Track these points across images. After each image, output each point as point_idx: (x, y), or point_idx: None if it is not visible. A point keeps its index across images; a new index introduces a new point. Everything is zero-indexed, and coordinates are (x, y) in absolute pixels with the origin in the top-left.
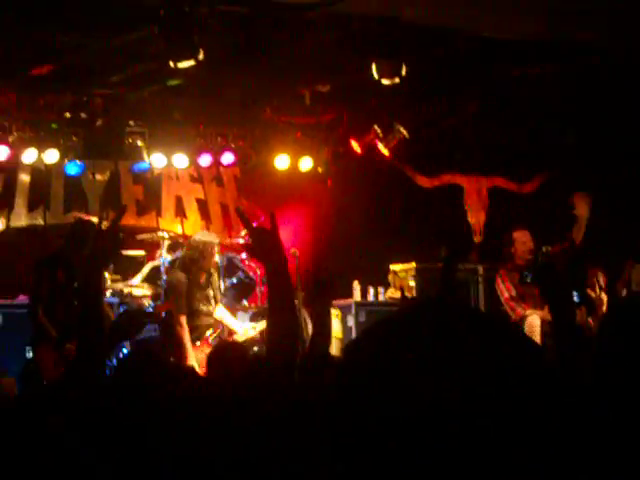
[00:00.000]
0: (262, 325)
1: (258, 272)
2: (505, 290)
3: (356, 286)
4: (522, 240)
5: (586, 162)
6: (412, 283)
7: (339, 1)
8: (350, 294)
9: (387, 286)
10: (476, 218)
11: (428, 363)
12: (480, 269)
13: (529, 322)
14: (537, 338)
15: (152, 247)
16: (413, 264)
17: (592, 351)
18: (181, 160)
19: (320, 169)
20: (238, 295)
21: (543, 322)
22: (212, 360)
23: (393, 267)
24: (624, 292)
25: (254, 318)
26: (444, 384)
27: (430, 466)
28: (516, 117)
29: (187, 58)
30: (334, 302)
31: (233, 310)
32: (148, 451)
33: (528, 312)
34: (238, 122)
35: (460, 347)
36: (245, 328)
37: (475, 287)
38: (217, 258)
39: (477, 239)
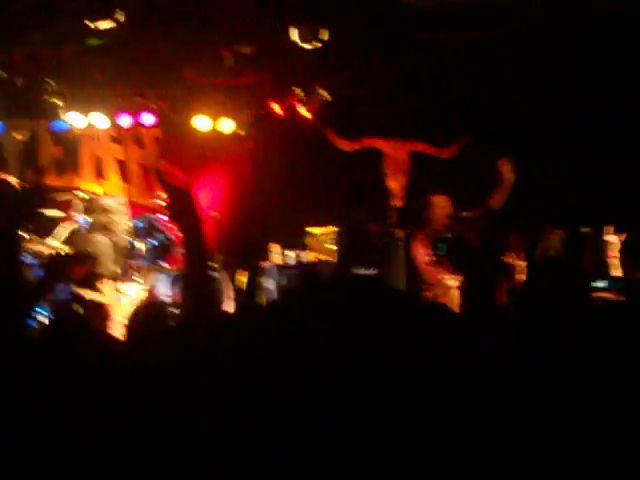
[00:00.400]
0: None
1: (178, 233)
2: (422, 254)
3: (274, 248)
4: (440, 205)
5: (506, 128)
6: (331, 246)
7: None
8: (268, 257)
9: (305, 249)
10: (395, 182)
11: (342, 324)
12: (399, 233)
13: (444, 284)
14: (453, 299)
15: (70, 207)
16: (332, 228)
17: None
18: (101, 120)
19: (241, 131)
20: (158, 257)
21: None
22: (132, 322)
23: (311, 230)
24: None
25: (175, 280)
26: (354, 344)
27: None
28: (437, 82)
29: (106, 18)
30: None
31: (153, 272)
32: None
33: (445, 276)
34: (159, 83)
35: (368, 314)
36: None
37: (395, 251)
38: (134, 220)
39: (396, 203)
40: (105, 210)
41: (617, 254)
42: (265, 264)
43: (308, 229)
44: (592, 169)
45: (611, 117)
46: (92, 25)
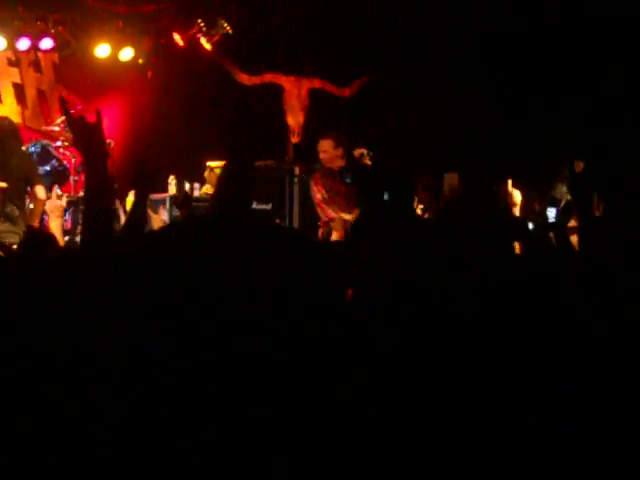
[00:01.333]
0: None
1: (73, 161)
2: (317, 192)
3: (171, 181)
4: (323, 149)
5: (406, 68)
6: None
7: None
8: (165, 188)
9: (203, 182)
10: (294, 119)
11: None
12: (296, 170)
13: (338, 220)
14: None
15: None
16: (236, 163)
17: None
18: None
19: (141, 60)
20: (51, 183)
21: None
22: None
23: (209, 164)
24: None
25: (67, 206)
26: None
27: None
28: (340, 21)
29: None
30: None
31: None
32: None
33: (339, 214)
34: (59, 7)
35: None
36: None
37: (290, 187)
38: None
39: (294, 140)
40: None
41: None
42: (160, 195)
43: (207, 163)
44: (497, 116)
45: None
46: None
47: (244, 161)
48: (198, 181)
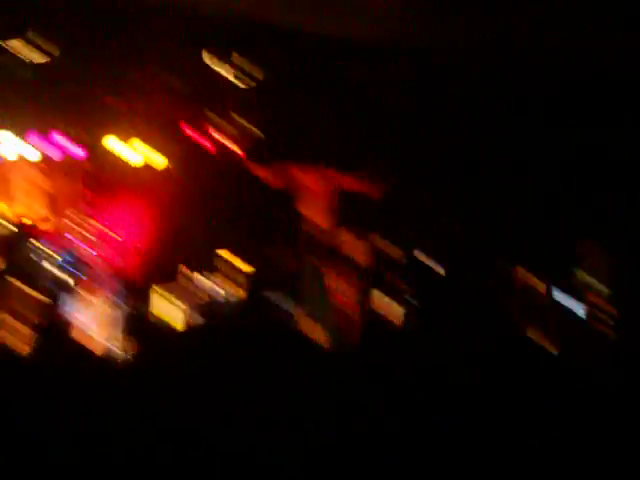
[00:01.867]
0: None
1: (97, 262)
2: (335, 283)
3: (186, 271)
4: (345, 240)
5: (433, 169)
6: (246, 272)
7: None
8: (182, 280)
9: (219, 274)
10: (315, 213)
11: None
12: (313, 261)
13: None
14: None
15: None
16: (255, 256)
17: None
18: (23, 148)
19: (165, 160)
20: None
21: None
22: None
23: (223, 254)
24: None
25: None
26: None
27: None
28: (366, 119)
29: (27, 45)
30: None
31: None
32: None
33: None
34: (79, 108)
35: None
36: None
37: (308, 279)
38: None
39: (314, 233)
40: None
41: None
42: (174, 285)
43: (220, 252)
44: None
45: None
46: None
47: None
48: (210, 271)
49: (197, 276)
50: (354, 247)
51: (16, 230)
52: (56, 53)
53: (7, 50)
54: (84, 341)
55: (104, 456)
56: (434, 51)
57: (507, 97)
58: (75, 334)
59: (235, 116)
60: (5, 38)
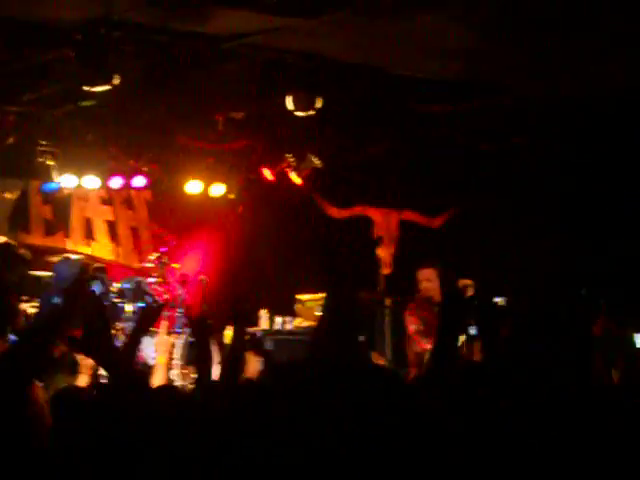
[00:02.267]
0: None
1: (166, 296)
2: (412, 324)
3: (263, 314)
4: (426, 277)
5: (495, 199)
6: (320, 314)
7: (256, 34)
8: (256, 322)
9: (294, 315)
10: (386, 251)
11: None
12: (387, 301)
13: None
14: None
15: None
16: (321, 294)
17: None
18: (92, 181)
19: (232, 195)
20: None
21: None
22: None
23: (300, 297)
24: None
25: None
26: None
27: None
28: (427, 152)
29: (101, 83)
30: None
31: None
32: None
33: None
34: (151, 146)
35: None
36: None
37: (381, 319)
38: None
39: (386, 271)
40: None
41: None
42: (254, 329)
43: (297, 296)
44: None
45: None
46: (87, 88)
47: (348, 294)
48: (289, 314)
49: (278, 319)
50: (431, 286)
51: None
52: (131, 89)
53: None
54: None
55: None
56: (501, 89)
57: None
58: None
59: (311, 157)
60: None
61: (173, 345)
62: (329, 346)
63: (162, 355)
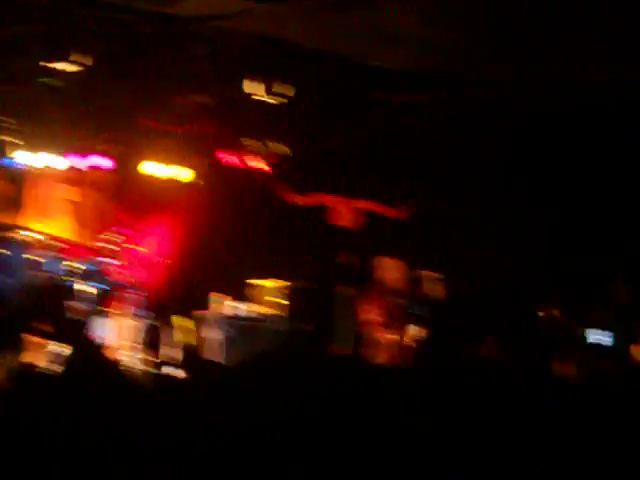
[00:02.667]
0: None
1: (126, 278)
2: (368, 312)
3: (216, 298)
4: (381, 267)
5: (457, 192)
6: (283, 301)
7: (223, 17)
8: (210, 306)
9: (247, 300)
10: (344, 240)
11: None
12: (344, 290)
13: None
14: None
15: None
16: (277, 281)
17: None
18: (56, 160)
19: (194, 179)
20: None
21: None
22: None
23: (260, 282)
24: None
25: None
26: None
27: None
28: (391, 143)
29: (66, 60)
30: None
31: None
32: None
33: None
34: (115, 127)
35: None
36: None
37: (338, 307)
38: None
39: (343, 260)
40: None
41: None
42: (206, 313)
43: (253, 281)
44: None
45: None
46: (51, 66)
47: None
48: (242, 299)
49: (229, 302)
50: (387, 274)
51: (50, 247)
52: (95, 68)
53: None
54: (109, 354)
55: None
56: (468, 80)
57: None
58: (101, 348)
59: (268, 140)
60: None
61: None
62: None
63: (113, 333)
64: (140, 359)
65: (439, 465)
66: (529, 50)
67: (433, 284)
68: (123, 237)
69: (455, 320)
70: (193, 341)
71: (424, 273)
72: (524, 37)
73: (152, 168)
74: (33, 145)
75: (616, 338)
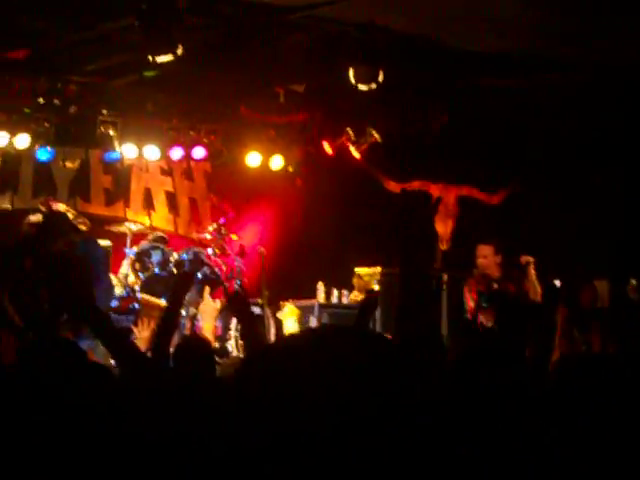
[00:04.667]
0: None
1: (224, 268)
2: (470, 300)
3: (320, 287)
4: (483, 254)
5: (552, 177)
6: (376, 287)
7: (322, 5)
8: (314, 295)
9: (351, 289)
10: (443, 226)
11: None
12: (444, 277)
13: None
14: None
15: (118, 238)
16: (378, 268)
17: None
18: (152, 152)
19: (291, 168)
20: (202, 287)
21: None
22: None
23: (358, 270)
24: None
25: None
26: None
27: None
28: (488, 128)
29: (165, 52)
30: (296, 302)
31: (196, 304)
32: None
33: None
34: (212, 118)
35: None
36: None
37: (438, 294)
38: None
39: (443, 247)
40: None
41: None
42: (309, 302)
43: (355, 269)
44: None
45: None
46: (151, 58)
47: (421, 270)
48: (346, 287)
49: (335, 292)
50: (487, 262)
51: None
52: (194, 59)
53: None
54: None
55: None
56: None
57: None
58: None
59: (371, 131)
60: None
61: (219, 311)
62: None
63: (207, 322)
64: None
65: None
66: (624, 33)
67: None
68: (223, 227)
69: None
70: (297, 329)
71: (520, 259)
72: (619, 20)
73: (250, 158)
74: (133, 138)
75: None
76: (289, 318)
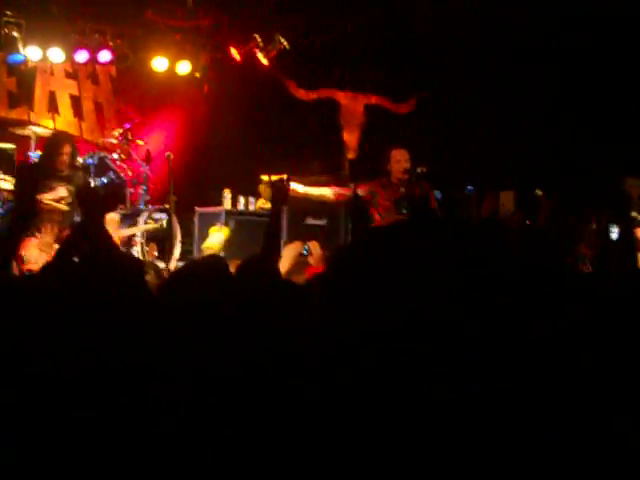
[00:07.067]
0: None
1: (129, 173)
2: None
3: (227, 194)
4: (397, 159)
5: (463, 85)
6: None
7: None
8: (220, 202)
9: (258, 196)
10: (351, 135)
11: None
12: (351, 186)
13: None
14: None
15: (22, 141)
16: (285, 176)
17: None
18: (57, 54)
19: (197, 74)
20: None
21: None
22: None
23: (264, 178)
24: None
25: (123, 219)
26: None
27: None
28: (396, 36)
29: None
30: (203, 210)
31: None
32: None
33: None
34: (118, 21)
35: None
36: None
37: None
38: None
39: (350, 156)
40: None
41: None
42: (216, 209)
43: (262, 176)
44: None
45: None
46: None
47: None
48: (252, 195)
49: (241, 199)
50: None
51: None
52: None
53: None
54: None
55: None
56: None
57: None
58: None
59: (279, 38)
60: None
61: (117, 222)
62: None
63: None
64: (152, 255)
65: None
66: None
67: None
68: (129, 132)
69: None
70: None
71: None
72: None
73: (157, 63)
74: (38, 40)
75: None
76: (217, 233)
